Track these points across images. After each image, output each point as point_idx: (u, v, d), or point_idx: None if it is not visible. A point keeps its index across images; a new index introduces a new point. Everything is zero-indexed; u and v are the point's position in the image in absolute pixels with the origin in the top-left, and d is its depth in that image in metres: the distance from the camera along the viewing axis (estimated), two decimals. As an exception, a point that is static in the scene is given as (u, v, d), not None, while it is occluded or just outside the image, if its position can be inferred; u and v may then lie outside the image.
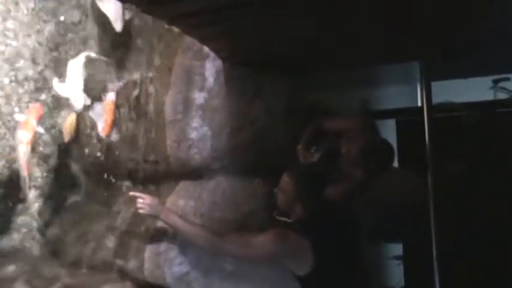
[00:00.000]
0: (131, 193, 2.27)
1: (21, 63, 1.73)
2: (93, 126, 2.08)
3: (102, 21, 2.06)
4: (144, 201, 2.27)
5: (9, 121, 1.72)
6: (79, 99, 2.03)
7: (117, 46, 2.19)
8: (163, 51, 2.58)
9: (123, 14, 1.99)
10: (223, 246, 2.28)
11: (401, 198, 3.01)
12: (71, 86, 1.90)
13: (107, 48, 2.17)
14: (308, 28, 2.30)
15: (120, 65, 2.29)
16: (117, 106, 2.07)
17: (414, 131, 3.19)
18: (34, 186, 1.92)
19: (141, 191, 2.38)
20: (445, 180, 3.09)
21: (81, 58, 2.03)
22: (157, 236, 2.46)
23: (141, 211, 2.27)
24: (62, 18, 1.94)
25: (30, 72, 1.77)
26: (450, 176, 3.34)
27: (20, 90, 1.75)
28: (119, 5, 1.96)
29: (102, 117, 1.98)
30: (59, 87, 1.85)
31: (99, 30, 2.03)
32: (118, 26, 1.98)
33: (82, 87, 1.99)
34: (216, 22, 2.23)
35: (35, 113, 1.84)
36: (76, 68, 1.93)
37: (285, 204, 2.44)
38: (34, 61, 1.81)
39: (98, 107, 2.02)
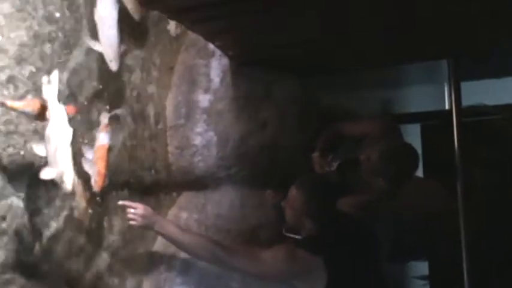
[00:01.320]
0: (121, 202, 2.15)
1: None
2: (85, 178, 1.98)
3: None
4: (136, 212, 2.14)
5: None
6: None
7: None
8: (164, 48, 2.56)
9: (119, 52, 1.98)
10: (226, 258, 2.20)
11: (427, 210, 2.97)
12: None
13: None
14: (323, 24, 2.28)
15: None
16: (110, 148, 1.95)
17: (441, 137, 3.16)
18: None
19: (139, 202, 2.35)
20: (476, 191, 3.05)
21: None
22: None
23: (133, 223, 2.14)
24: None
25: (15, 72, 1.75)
26: (481, 185, 3.30)
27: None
28: (116, 42, 1.96)
29: (93, 167, 1.87)
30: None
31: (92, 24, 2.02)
32: (114, 66, 1.98)
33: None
34: (222, 17, 2.23)
35: None
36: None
37: (292, 219, 2.40)
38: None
39: (88, 152, 1.91)
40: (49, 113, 1.68)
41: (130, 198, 2.31)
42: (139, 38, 2.36)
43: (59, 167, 1.63)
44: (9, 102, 1.67)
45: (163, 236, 2.24)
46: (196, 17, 2.25)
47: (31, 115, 1.72)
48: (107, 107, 2.09)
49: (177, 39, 2.65)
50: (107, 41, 1.95)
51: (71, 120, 1.72)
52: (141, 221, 2.14)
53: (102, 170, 1.90)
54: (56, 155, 1.65)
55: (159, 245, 2.48)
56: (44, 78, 1.70)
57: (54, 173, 1.62)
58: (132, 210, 2.13)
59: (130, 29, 2.23)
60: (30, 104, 1.70)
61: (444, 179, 3.11)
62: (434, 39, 2.53)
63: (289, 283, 2.34)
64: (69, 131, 1.69)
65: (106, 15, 1.94)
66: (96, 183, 1.88)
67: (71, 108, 1.83)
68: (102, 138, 1.96)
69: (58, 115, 1.69)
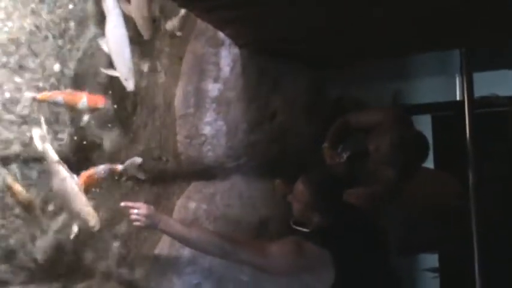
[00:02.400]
0: (123, 204, 2.09)
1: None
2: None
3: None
4: (139, 212, 2.07)
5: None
6: None
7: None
8: (173, 37, 2.54)
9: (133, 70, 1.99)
10: (233, 252, 2.17)
11: (437, 202, 2.95)
12: None
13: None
14: (334, 13, 2.25)
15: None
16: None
17: (452, 128, 3.13)
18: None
19: (148, 193, 2.35)
20: (488, 183, 3.02)
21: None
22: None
23: (136, 224, 2.09)
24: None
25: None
26: (493, 177, 3.27)
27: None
28: (129, 60, 1.97)
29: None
30: None
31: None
32: (130, 85, 1.98)
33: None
34: (232, 5, 2.20)
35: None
36: None
37: (300, 213, 2.38)
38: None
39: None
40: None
41: (140, 187, 2.32)
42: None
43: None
44: (39, 95, 1.76)
45: (169, 234, 2.19)
46: (206, 6, 2.22)
47: (61, 104, 1.80)
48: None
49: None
50: (120, 60, 1.96)
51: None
52: (145, 221, 2.08)
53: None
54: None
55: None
56: None
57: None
58: (135, 211, 2.08)
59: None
60: (58, 94, 1.79)
61: (455, 171, 3.09)
62: (447, 29, 2.50)
63: (296, 276, 2.33)
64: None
65: (116, 33, 1.95)
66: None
67: (101, 99, 1.85)
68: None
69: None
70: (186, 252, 2.44)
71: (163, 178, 2.50)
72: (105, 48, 1.95)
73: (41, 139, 1.73)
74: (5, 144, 1.73)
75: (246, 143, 2.64)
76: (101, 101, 1.86)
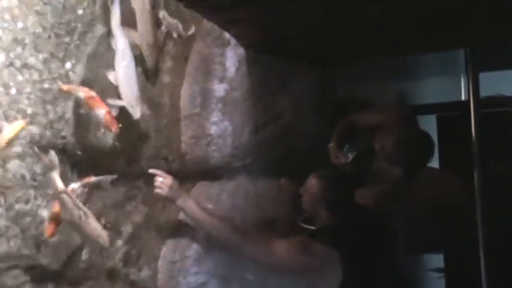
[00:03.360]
0: (151, 170, 2.18)
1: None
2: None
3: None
4: (164, 181, 2.17)
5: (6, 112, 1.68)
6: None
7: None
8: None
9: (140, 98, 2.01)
10: (242, 244, 2.23)
11: (443, 201, 2.94)
12: None
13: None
14: (339, 13, 2.25)
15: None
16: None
17: (458, 128, 3.12)
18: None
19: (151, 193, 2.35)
20: (494, 183, 3.01)
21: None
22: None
23: (158, 191, 2.17)
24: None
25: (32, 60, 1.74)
26: (499, 177, 3.26)
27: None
28: (135, 88, 1.98)
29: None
30: None
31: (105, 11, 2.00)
32: (136, 113, 2.00)
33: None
34: (238, 4, 2.19)
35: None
36: None
37: (310, 207, 2.41)
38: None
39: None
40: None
41: (145, 187, 2.31)
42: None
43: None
44: (65, 87, 1.80)
45: (184, 211, 2.26)
46: (211, 5, 2.22)
47: (80, 101, 1.83)
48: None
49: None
50: (128, 89, 1.97)
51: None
52: (167, 191, 2.16)
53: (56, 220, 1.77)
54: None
55: (174, 235, 2.46)
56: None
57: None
58: (160, 179, 2.16)
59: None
60: (82, 91, 1.82)
61: (460, 170, 3.08)
62: (452, 28, 2.49)
63: (304, 275, 2.32)
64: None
65: (123, 64, 1.97)
66: (48, 229, 1.75)
67: (115, 126, 1.85)
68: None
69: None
70: (192, 251, 2.44)
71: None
72: (112, 79, 1.97)
73: (49, 168, 1.71)
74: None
75: (252, 143, 2.63)
76: (114, 127, 1.86)
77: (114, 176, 1.95)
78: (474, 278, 2.87)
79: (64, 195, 1.72)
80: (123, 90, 1.98)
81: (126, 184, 2.19)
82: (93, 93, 1.85)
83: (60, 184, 1.72)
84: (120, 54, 1.98)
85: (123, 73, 1.97)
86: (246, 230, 2.32)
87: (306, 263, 2.22)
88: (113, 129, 1.86)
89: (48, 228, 1.71)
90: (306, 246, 2.21)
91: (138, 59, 2.10)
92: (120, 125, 1.87)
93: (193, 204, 2.24)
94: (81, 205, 1.77)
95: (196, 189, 2.63)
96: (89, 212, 1.79)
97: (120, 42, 1.98)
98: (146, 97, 2.19)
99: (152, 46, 2.14)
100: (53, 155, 1.72)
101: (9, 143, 1.63)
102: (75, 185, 1.81)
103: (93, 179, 1.87)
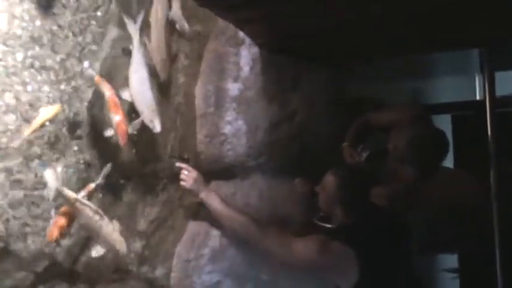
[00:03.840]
0: (177, 164, 2.30)
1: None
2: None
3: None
4: (189, 174, 2.31)
5: (26, 112, 1.68)
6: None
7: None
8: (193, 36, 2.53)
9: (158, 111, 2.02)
10: (261, 238, 2.27)
11: (457, 202, 2.91)
12: None
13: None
14: (353, 12, 2.23)
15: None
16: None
17: (472, 127, 3.09)
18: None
19: (169, 191, 2.35)
20: (509, 183, 2.98)
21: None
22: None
23: (183, 183, 2.30)
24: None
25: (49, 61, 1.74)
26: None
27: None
28: (153, 102, 1.99)
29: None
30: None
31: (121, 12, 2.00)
32: (157, 127, 2.01)
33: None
34: (252, 4, 2.18)
35: None
36: None
37: (326, 205, 2.40)
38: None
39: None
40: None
41: (159, 185, 2.32)
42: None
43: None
44: (98, 78, 1.84)
45: (207, 204, 2.34)
46: (226, 4, 2.21)
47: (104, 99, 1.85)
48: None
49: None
50: (143, 103, 1.98)
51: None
52: (191, 183, 2.30)
53: (60, 223, 1.72)
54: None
55: (189, 233, 2.46)
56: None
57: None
58: (185, 172, 2.30)
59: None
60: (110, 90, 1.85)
61: (475, 170, 3.05)
62: (468, 27, 2.46)
63: (320, 273, 2.32)
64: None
65: (139, 77, 1.97)
66: (50, 233, 1.70)
67: (124, 139, 1.86)
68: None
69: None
70: (207, 250, 2.43)
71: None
72: (127, 97, 1.97)
73: (54, 180, 1.69)
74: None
75: (266, 142, 2.62)
76: (123, 139, 1.86)
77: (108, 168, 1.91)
78: (489, 279, 2.84)
79: (78, 203, 1.71)
80: (139, 105, 1.98)
81: (141, 183, 2.20)
82: (116, 99, 1.86)
83: (70, 193, 1.71)
84: (134, 66, 1.98)
85: (137, 87, 1.97)
86: (265, 225, 2.32)
87: (322, 260, 2.21)
88: (122, 142, 1.86)
89: (51, 232, 1.68)
90: (322, 243, 2.21)
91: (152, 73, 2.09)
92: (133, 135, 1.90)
93: (215, 198, 2.33)
94: (98, 210, 1.76)
95: (210, 188, 2.63)
96: (106, 218, 1.79)
97: (136, 56, 1.98)
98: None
99: (165, 61, 2.16)
100: (55, 169, 1.71)
101: (43, 124, 1.65)
102: (81, 194, 1.79)
103: (93, 185, 1.85)
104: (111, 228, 1.80)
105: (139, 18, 2.02)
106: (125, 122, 1.87)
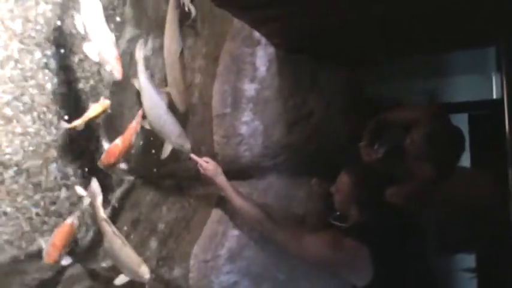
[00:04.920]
0: (192, 155, 2.30)
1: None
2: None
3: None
4: (209, 164, 2.34)
5: (44, 113, 1.68)
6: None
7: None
8: (209, 37, 2.52)
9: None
10: (275, 230, 2.29)
11: (474, 201, 2.87)
12: None
13: (146, 30, 2.13)
14: (370, 11, 2.20)
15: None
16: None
17: (489, 126, 3.05)
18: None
19: (186, 192, 2.34)
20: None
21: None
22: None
23: (203, 172, 2.33)
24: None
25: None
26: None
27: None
28: (177, 127, 2.03)
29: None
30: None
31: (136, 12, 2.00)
32: (187, 146, 2.09)
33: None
34: (268, 4, 2.16)
35: None
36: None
37: (341, 205, 2.39)
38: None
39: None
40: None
41: (177, 186, 2.32)
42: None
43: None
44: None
45: (223, 192, 2.38)
46: (242, 5, 2.20)
47: None
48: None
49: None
50: (170, 135, 2.02)
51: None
52: (210, 171, 2.34)
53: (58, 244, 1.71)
54: None
55: (205, 234, 2.46)
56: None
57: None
58: (205, 158, 2.35)
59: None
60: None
61: (492, 169, 3.01)
62: (485, 25, 2.43)
63: (333, 271, 2.30)
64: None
65: (157, 114, 1.98)
66: (48, 255, 1.68)
67: (112, 160, 1.82)
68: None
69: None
70: (224, 251, 2.43)
71: (200, 177, 2.48)
72: (148, 126, 1.99)
73: (92, 196, 1.69)
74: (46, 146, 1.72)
75: (283, 143, 2.60)
76: (106, 165, 1.82)
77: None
78: (507, 279, 2.81)
79: (104, 223, 1.70)
80: (166, 138, 2.01)
81: (158, 184, 2.20)
82: (137, 128, 1.87)
83: (102, 213, 1.70)
84: (148, 103, 1.96)
85: (159, 123, 1.99)
86: (279, 218, 2.35)
87: (334, 256, 2.20)
88: (103, 166, 1.81)
89: (49, 254, 1.65)
90: (336, 239, 2.20)
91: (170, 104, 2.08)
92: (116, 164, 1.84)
93: (229, 188, 2.36)
94: (120, 234, 1.75)
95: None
96: (128, 245, 1.77)
97: (147, 90, 1.96)
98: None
99: (182, 93, 2.15)
100: (95, 184, 1.70)
101: (91, 120, 1.68)
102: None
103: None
104: (132, 252, 1.78)
105: (148, 46, 2.03)
106: (119, 150, 1.83)
